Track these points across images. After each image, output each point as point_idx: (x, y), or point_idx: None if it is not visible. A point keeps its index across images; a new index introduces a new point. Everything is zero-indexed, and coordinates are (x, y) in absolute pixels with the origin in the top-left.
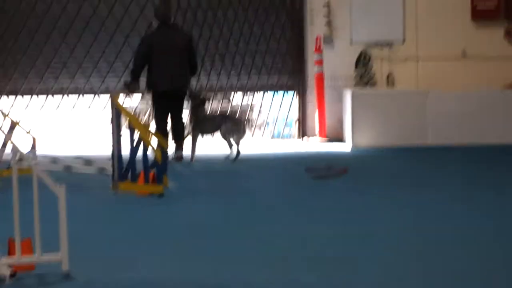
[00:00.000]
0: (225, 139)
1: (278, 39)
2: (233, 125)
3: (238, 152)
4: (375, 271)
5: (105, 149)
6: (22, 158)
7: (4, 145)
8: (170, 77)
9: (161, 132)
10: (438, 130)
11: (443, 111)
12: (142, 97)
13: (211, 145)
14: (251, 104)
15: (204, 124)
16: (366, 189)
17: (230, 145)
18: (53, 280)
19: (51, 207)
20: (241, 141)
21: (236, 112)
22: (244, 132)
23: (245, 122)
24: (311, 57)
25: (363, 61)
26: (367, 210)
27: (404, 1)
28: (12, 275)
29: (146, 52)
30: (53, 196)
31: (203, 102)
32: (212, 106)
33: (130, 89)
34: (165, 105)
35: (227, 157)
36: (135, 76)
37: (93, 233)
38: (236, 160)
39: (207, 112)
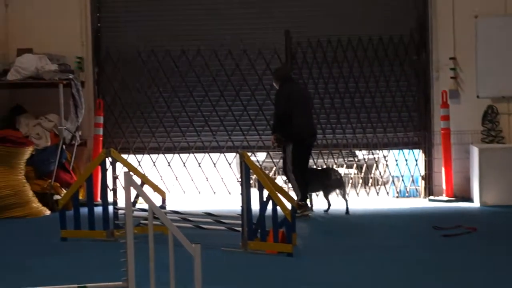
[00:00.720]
0: (326, 195)
1: (403, 94)
2: (334, 180)
3: (347, 204)
4: None
5: (233, 206)
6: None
7: (135, 202)
8: (311, 125)
9: (303, 182)
10: None
11: None
12: (268, 153)
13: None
14: (376, 161)
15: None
16: (496, 248)
17: (329, 203)
18: None
19: (184, 264)
20: (346, 194)
21: (333, 168)
22: (344, 185)
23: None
24: (437, 112)
25: (490, 116)
26: (498, 270)
27: None
28: None
29: (289, 106)
30: (184, 253)
31: None
32: (337, 163)
33: (280, 144)
34: (306, 154)
35: (326, 211)
36: (279, 130)
37: None
38: (348, 213)
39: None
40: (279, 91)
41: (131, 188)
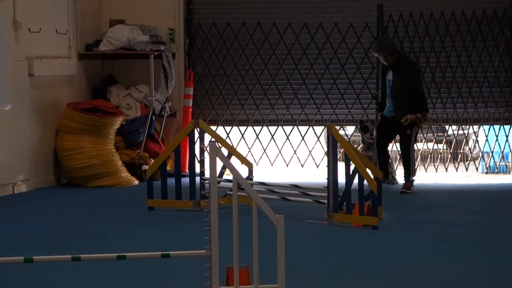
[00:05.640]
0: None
1: (495, 69)
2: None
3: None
4: None
5: (320, 179)
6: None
7: (221, 173)
8: None
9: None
10: None
11: None
12: (357, 127)
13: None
14: (466, 136)
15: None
16: None
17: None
18: None
19: (267, 236)
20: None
21: None
22: None
23: None
24: None
25: None
26: None
27: None
28: None
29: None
30: (269, 225)
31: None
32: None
33: (421, 123)
34: None
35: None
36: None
37: (308, 264)
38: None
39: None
40: (411, 64)
41: (218, 158)
